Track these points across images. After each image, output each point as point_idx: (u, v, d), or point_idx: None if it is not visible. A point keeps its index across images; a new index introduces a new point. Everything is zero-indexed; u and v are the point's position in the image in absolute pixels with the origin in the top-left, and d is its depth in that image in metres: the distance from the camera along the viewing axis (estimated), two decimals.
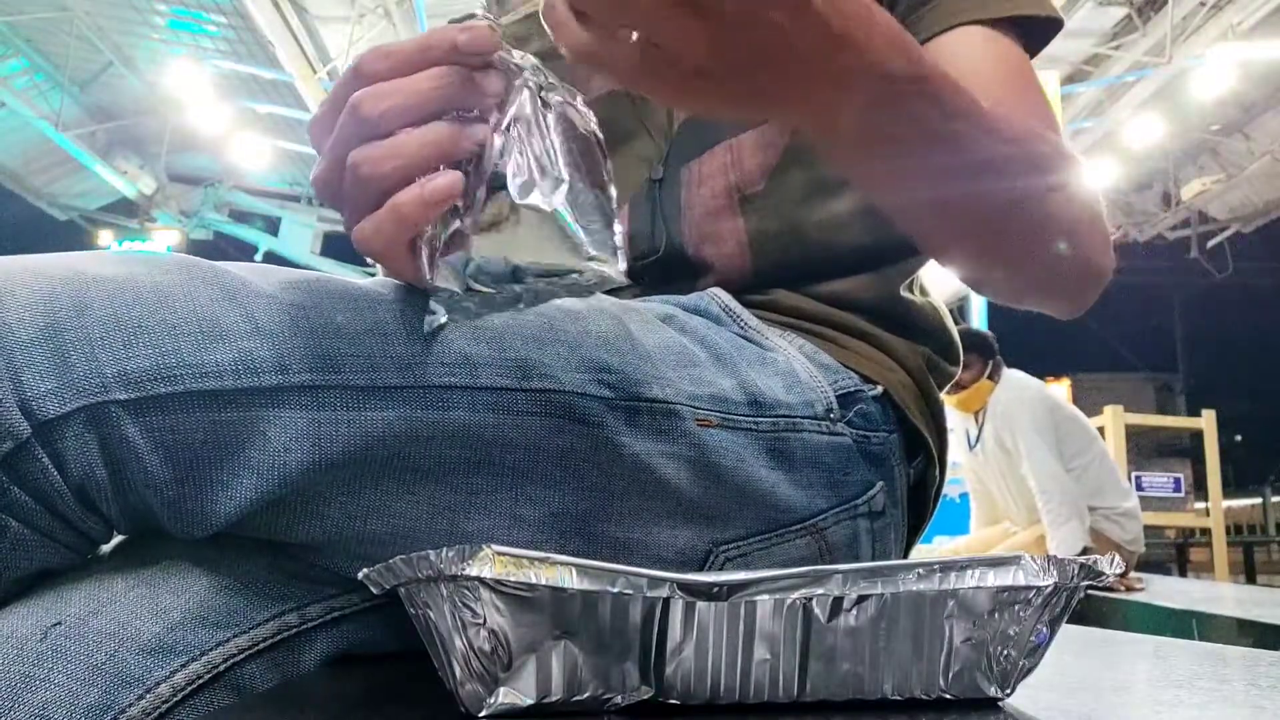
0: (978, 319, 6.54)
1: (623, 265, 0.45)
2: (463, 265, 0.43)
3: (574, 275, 0.44)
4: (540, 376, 0.50)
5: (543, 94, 0.45)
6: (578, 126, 0.45)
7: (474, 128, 0.43)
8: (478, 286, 0.44)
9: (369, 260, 0.48)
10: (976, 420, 3.52)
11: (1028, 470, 3.30)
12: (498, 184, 0.43)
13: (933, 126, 0.46)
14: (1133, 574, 3.07)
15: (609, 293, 0.60)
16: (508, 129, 0.43)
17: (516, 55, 0.45)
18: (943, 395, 0.75)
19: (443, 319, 0.46)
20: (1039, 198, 0.54)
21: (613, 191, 0.45)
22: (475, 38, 0.43)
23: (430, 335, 0.47)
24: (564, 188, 0.43)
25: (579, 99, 0.46)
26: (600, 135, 0.46)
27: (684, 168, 0.73)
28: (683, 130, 0.74)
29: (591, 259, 0.44)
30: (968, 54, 0.65)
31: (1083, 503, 3.25)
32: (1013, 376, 3.48)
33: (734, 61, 0.39)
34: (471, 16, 0.88)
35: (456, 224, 0.44)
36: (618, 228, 0.45)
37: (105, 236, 11.01)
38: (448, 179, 0.42)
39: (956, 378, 0.79)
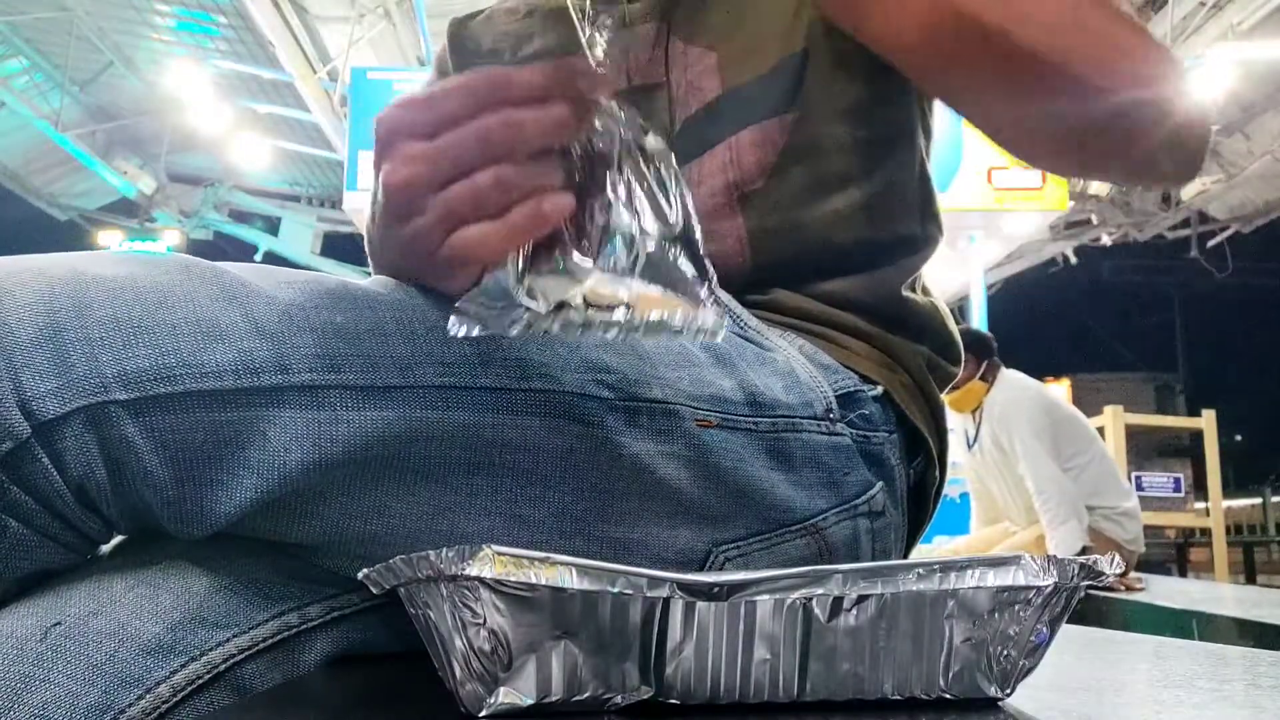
0: (978, 318, 6.53)
1: (716, 316, 0.44)
2: (564, 313, 0.43)
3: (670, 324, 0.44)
4: (540, 377, 0.50)
5: (632, 142, 0.45)
6: (667, 165, 0.46)
7: (573, 162, 0.45)
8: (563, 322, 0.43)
9: (369, 260, 0.48)
10: (974, 420, 3.52)
11: (1024, 471, 3.30)
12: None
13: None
14: (1133, 574, 3.06)
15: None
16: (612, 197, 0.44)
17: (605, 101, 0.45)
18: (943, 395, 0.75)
19: (477, 332, 0.45)
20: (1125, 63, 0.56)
21: (698, 236, 0.45)
22: (597, 83, 0.44)
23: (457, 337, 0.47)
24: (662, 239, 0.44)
25: (649, 136, 0.46)
26: (678, 170, 0.46)
27: (684, 167, 0.73)
28: (683, 129, 0.74)
29: (697, 330, 0.44)
30: None
31: (1081, 503, 3.24)
32: (1009, 377, 3.48)
33: None
34: (481, 14, 0.87)
35: (554, 259, 0.44)
36: (712, 275, 0.45)
37: (105, 237, 11.00)
38: (565, 197, 0.43)
39: (958, 377, 0.79)
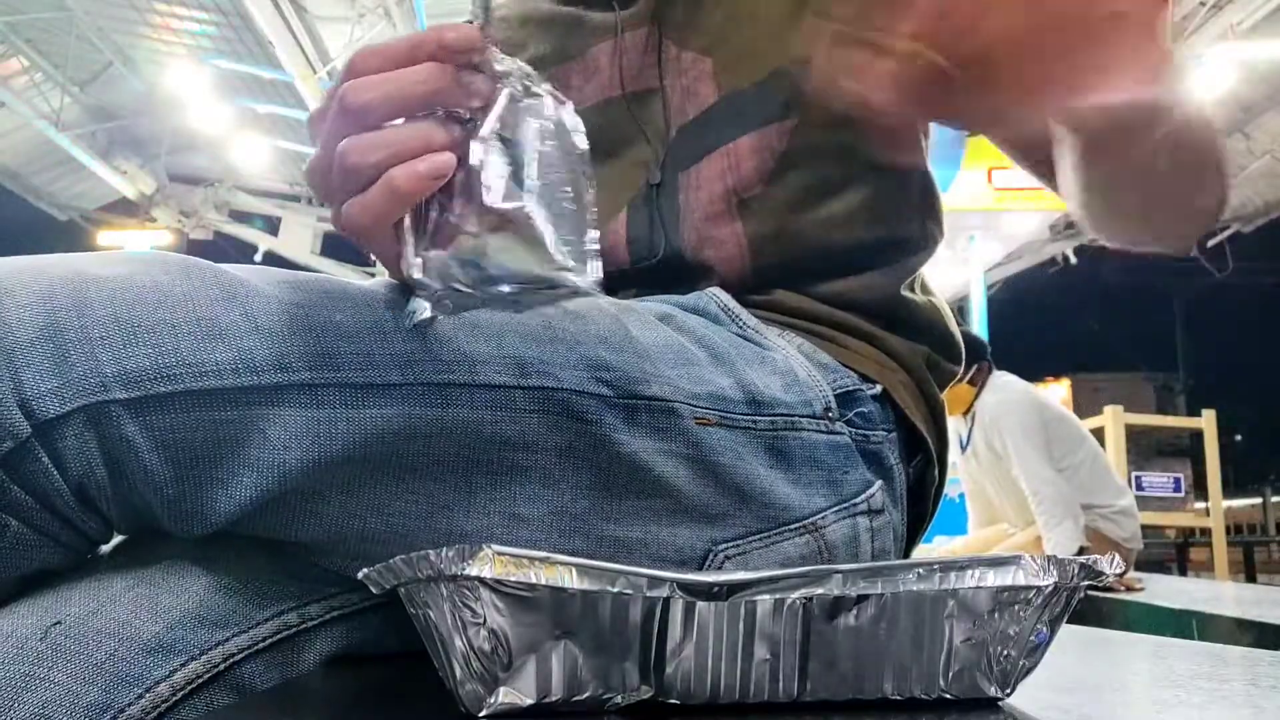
0: (978, 318, 6.53)
1: (595, 275, 0.45)
2: (442, 263, 0.44)
3: (545, 283, 0.44)
4: (539, 374, 0.50)
5: (527, 99, 0.45)
6: (562, 133, 0.45)
7: (456, 126, 0.44)
8: (458, 286, 0.44)
9: (370, 259, 0.48)
10: (966, 423, 3.52)
11: (1018, 473, 3.30)
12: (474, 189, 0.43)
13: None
14: (1132, 574, 3.06)
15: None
16: (488, 133, 0.44)
17: (506, 60, 0.45)
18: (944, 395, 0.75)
19: (427, 313, 0.46)
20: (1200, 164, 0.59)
21: (589, 199, 0.46)
22: (461, 37, 0.43)
23: (417, 328, 0.47)
24: (533, 196, 0.44)
25: (567, 106, 0.46)
26: (584, 143, 0.46)
27: (682, 173, 0.73)
28: (680, 135, 0.74)
29: (562, 268, 0.44)
30: None
31: (1076, 503, 3.24)
32: (999, 379, 3.47)
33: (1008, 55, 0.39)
34: (471, 25, 0.87)
35: (435, 215, 0.44)
36: (590, 234, 0.45)
37: (105, 237, 10.99)
38: (442, 157, 0.43)
39: (958, 376, 0.79)
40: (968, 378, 3.37)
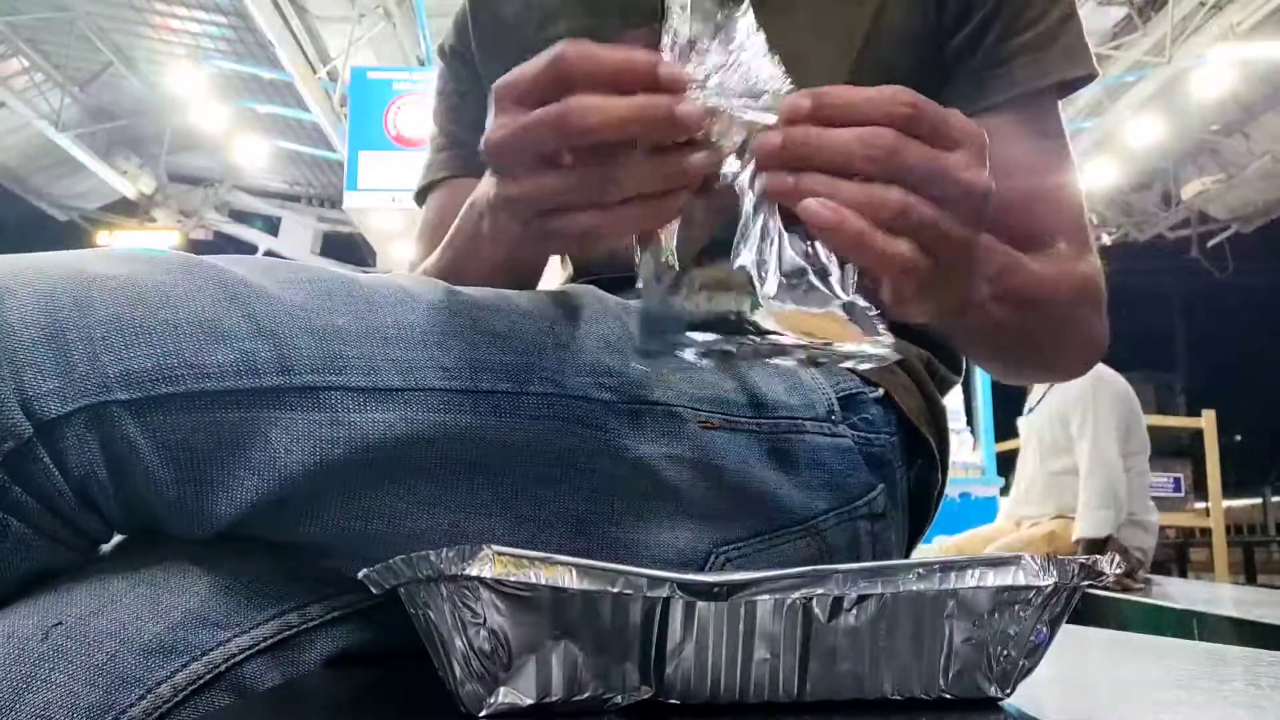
0: None
1: (889, 340, 0.43)
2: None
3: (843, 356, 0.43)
4: (541, 380, 0.50)
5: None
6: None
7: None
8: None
9: (368, 260, 0.48)
10: (1041, 391, 3.51)
11: (1083, 449, 3.28)
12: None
13: (997, 321, 0.58)
14: (1143, 574, 3.08)
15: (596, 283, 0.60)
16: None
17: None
18: None
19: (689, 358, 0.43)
20: (1068, 325, 0.69)
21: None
22: (689, 115, 0.41)
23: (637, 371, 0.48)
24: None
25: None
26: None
27: None
28: None
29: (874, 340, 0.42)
30: (1016, 142, 0.70)
31: (1125, 499, 3.25)
32: (1099, 365, 3.47)
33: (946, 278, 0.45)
34: None
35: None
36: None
37: (105, 237, 10.98)
38: (676, 203, 0.42)
39: (957, 384, 0.79)
40: None
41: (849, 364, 0.43)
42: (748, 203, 0.42)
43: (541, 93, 0.42)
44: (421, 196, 0.89)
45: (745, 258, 0.41)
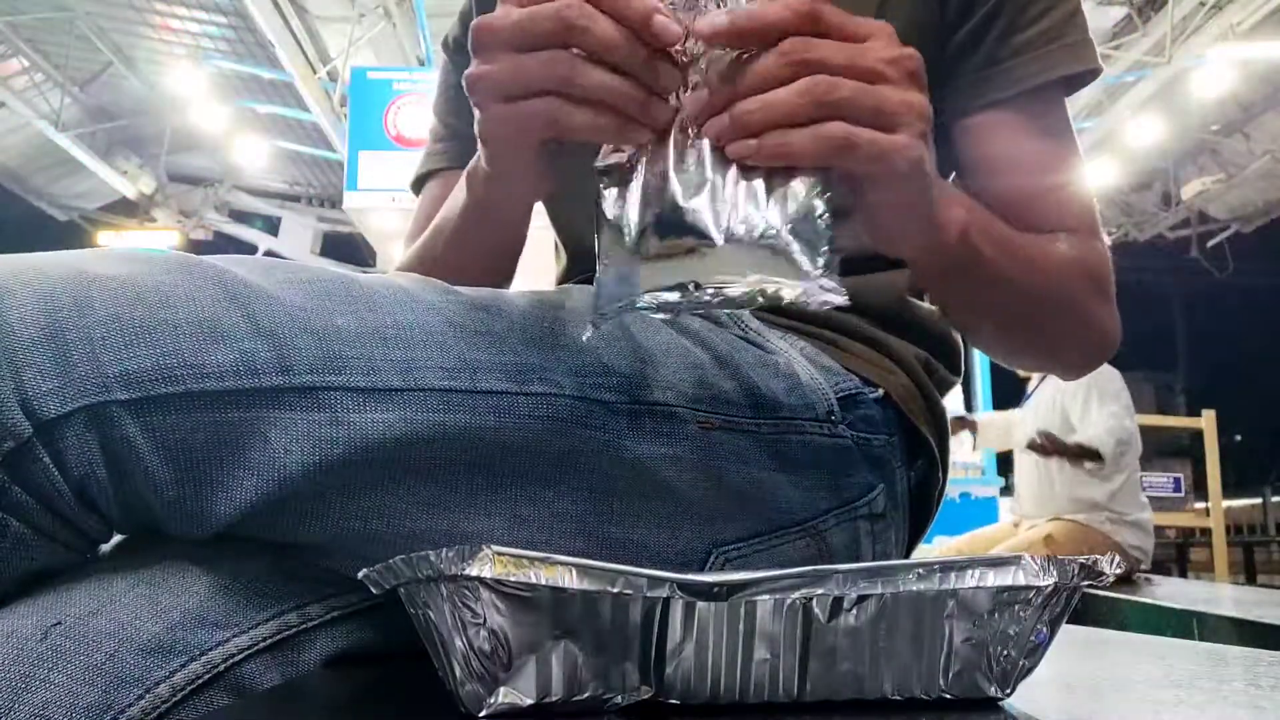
0: None
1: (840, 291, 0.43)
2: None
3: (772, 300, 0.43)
4: (541, 380, 0.50)
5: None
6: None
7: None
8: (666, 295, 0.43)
9: (368, 261, 0.48)
10: (1036, 381, 3.52)
11: (1092, 421, 3.29)
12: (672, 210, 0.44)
13: (985, 263, 0.59)
14: (1137, 574, 3.09)
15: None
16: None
17: (695, 47, 0.46)
18: None
19: (590, 332, 0.46)
20: (1074, 305, 0.69)
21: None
22: (664, 30, 0.44)
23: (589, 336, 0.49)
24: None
25: None
26: None
27: None
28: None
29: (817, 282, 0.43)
30: (1021, 138, 0.71)
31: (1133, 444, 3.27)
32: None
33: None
34: None
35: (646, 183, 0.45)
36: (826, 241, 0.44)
37: (105, 237, 10.98)
38: (668, 109, 0.45)
39: (957, 384, 0.79)
40: None
41: (797, 301, 0.43)
42: (694, 153, 0.45)
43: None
44: (418, 186, 0.90)
45: (696, 202, 0.44)
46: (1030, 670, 0.39)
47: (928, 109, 0.47)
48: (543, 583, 0.33)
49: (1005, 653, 0.38)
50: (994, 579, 0.37)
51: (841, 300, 0.42)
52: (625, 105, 0.45)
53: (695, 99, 0.45)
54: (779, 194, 0.44)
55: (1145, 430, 3.58)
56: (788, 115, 0.44)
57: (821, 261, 0.43)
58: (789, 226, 0.43)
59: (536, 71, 0.45)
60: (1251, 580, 7.93)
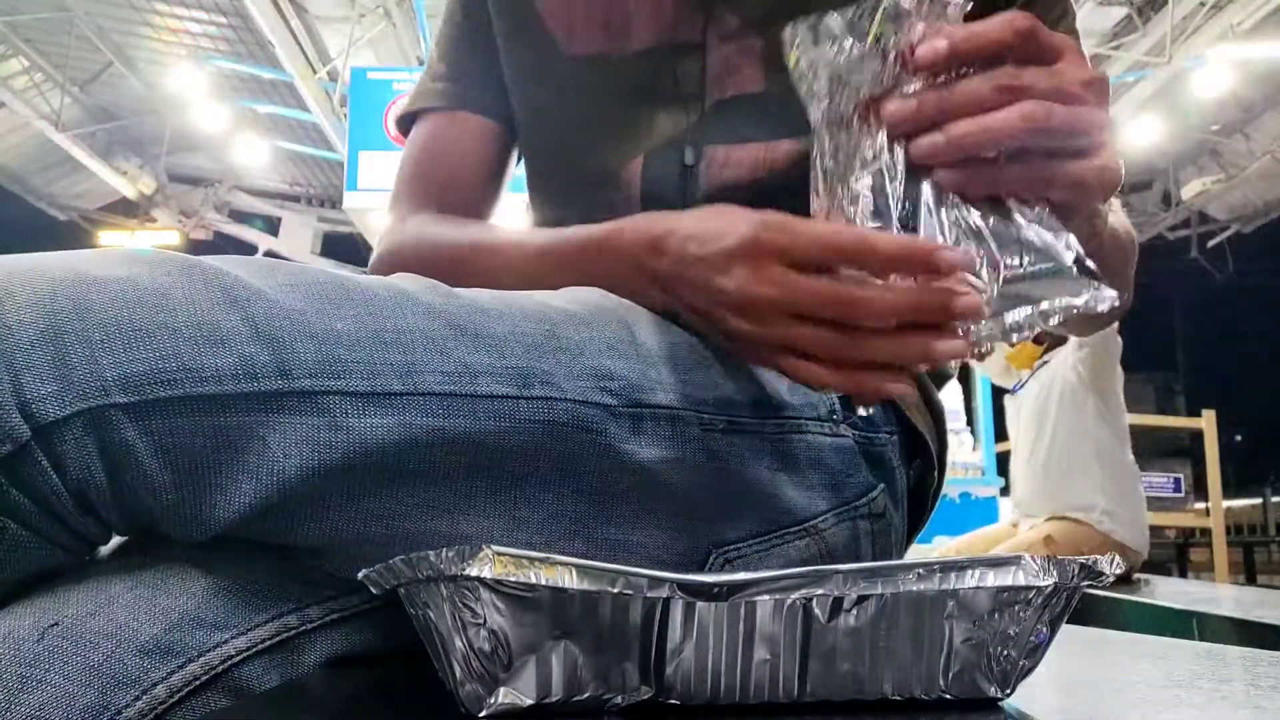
0: None
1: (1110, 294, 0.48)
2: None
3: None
4: (541, 385, 0.50)
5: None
6: None
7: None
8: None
9: (367, 261, 0.48)
10: (1030, 373, 3.50)
11: (1106, 394, 3.27)
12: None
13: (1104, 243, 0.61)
14: (1137, 575, 3.07)
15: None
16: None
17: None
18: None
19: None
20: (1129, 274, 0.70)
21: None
22: (968, 306, 0.47)
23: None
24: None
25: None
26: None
27: (710, 146, 0.71)
28: (717, 108, 0.71)
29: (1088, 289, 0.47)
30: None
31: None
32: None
33: None
34: None
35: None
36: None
37: (105, 237, 10.97)
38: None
39: (953, 378, 0.79)
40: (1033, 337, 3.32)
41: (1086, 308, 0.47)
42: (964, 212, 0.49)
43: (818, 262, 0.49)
44: (407, 123, 0.84)
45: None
46: (1030, 670, 0.39)
47: (1113, 126, 0.51)
48: (543, 583, 0.33)
49: (1005, 653, 0.38)
50: (994, 579, 0.37)
51: (1114, 295, 0.47)
52: (900, 360, 0.49)
53: (901, 108, 0.48)
54: (1021, 217, 0.48)
55: (1145, 430, 3.56)
56: (1008, 140, 0.46)
57: (1090, 266, 0.47)
58: (1060, 244, 0.48)
59: (810, 346, 0.50)
60: (1251, 580, 7.93)
